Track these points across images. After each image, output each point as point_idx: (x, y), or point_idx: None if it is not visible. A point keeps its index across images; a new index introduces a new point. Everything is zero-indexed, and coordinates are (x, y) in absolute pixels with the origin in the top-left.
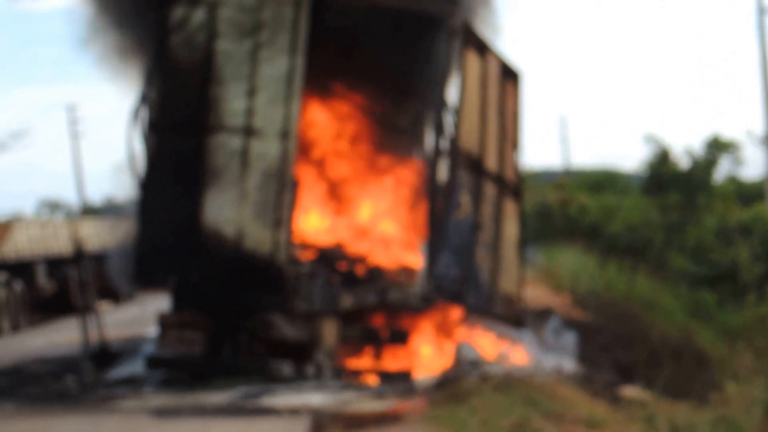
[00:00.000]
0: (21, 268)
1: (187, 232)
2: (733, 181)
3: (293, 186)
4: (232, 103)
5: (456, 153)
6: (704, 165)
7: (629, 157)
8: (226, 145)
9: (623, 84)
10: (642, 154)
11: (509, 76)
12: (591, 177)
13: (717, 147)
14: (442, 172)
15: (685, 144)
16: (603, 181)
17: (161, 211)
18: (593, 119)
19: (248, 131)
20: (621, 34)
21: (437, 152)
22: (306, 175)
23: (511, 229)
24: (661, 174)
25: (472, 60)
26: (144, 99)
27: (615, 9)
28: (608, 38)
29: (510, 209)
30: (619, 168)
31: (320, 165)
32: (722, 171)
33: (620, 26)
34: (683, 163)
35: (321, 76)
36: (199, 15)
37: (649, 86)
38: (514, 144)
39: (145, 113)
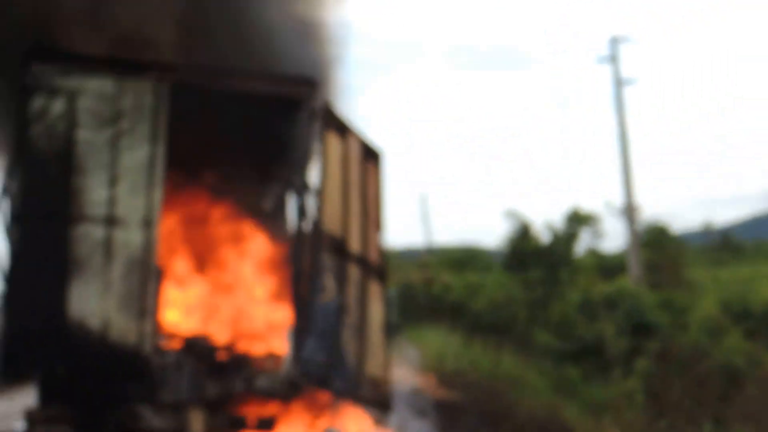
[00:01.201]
0: None
1: (53, 324)
2: (594, 254)
3: (158, 275)
4: (94, 192)
5: (319, 236)
6: (565, 239)
7: (490, 233)
8: (89, 235)
9: (483, 161)
10: (503, 230)
11: (370, 156)
12: (453, 255)
13: (577, 220)
14: (306, 255)
15: (545, 218)
16: (465, 259)
17: (27, 303)
18: (454, 197)
19: (111, 221)
20: (479, 110)
21: (300, 235)
22: (170, 263)
23: (376, 312)
24: (522, 249)
25: (333, 141)
26: (5, 190)
27: (472, 86)
28: (466, 115)
29: (375, 291)
30: (481, 245)
31: (184, 252)
32: (583, 244)
33: (478, 102)
34: (544, 237)
35: (182, 161)
36: (58, 105)
37: (508, 162)
38: (377, 225)
39: (7, 205)
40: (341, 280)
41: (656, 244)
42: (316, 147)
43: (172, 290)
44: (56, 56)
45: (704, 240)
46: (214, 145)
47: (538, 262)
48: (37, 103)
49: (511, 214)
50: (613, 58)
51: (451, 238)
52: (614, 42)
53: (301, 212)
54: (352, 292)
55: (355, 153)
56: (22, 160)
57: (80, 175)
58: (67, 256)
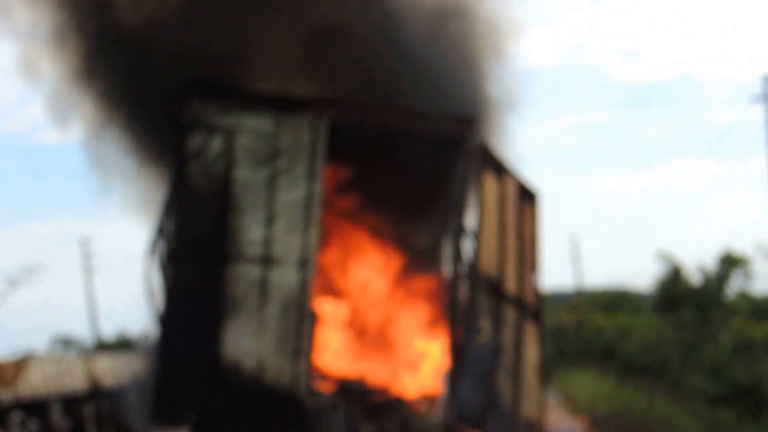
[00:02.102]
0: (36, 407)
1: (207, 364)
2: (745, 297)
3: (312, 315)
4: (251, 231)
5: (475, 277)
6: (717, 281)
7: (641, 275)
8: (244, 275)
9: (632, 201)
10: (654, 272)
11: (527, 197)
12: (604, 297)
13: (729, 262)
14: (462, 296)
15: (696, 259)
16: (615, 301)
17: (181, 344)
18: (604, 238)
19: (267, 260)
20: (624, 149)
21: (456, 276)
22: (324, 303)
23: (531, 353)
24: (674, 291)
25: (490, 182)
26: (161, 230)
27: (622, 127)
28: (612, 154)
29: (530, 333)
30: (631, 287)
31: (337, 292)
32: (734, 286)
33: (627, 143)
34: (696, 279)
35: (337, 199)
36: (216, 143)
37: (658, 202)
38: (533, 266)
39: (162, 245)
40: (497, 321)
41: None
42: (472, 186)
43: (325, 330)
44: (214, 93)
45: None
46: (370, 183)
47: (689, 304)
48: (196, 141)
49: (663, 256)
50: (766, 97)
51: (601, 280)
52: None
53: (458, 253)
54: (507, 333)
55: (511, 193)
56: (180, 199)
57: (237, 214)
58: (222, 296)
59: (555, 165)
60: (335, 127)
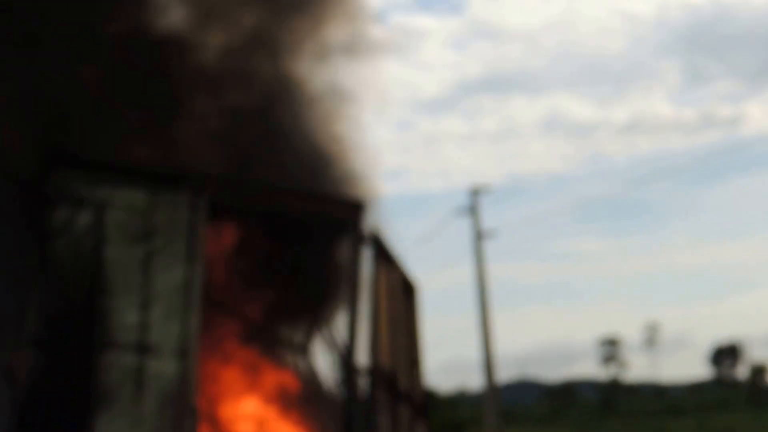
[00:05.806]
0: None
1: None
2: None
3: (194, 411)
4: (124, 316)
5: (375, 371)
6: None
7: None
8: (117, 363)
9: None
10: None
11: (409, 289)
12: None
13: None
14: (358, 392)
15: None
16: None
17: None
18: None
19: (142, 348)
20: None
21: (350, 371)
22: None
23: None
24: None
25: (383, 272)
26: (24, 312)
27: None
28: None
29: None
30: None
31: (213, 390)
32: None
33: None
34: None
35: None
36: (84, 217)
37: None
38: (418, 362)
39: (24, 328)
40: (394, 419)
41: None
42: (362, 276)
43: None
44: (82, 163)
45: None
46: (248, 269)
47: None
48: (61, 214)
49: None
50: (472, 210)
51: None
52: (474, 193)
53: (352, 345)
54: (402, 431)
55: (398, 285)
56: (44, 279)
57: (108, 297)
58: (92, 387)
59: None
60: (217, 207)
